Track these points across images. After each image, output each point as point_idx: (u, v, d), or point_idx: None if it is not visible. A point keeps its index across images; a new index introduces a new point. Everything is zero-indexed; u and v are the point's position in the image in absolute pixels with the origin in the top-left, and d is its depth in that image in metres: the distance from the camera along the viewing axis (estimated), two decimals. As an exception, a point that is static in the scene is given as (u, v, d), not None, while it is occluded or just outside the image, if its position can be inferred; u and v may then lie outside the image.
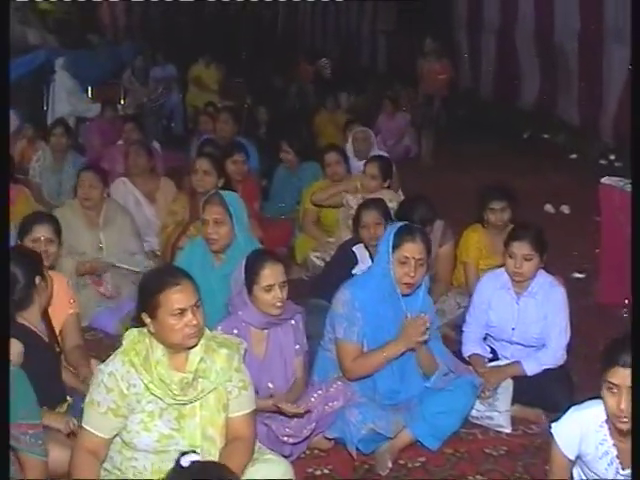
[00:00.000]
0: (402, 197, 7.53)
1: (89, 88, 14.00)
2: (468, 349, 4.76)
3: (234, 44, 22.06)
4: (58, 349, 4.17)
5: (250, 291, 4.02)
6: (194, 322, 3.30)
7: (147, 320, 3.34)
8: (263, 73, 19.00)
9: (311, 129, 12.28)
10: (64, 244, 5.77)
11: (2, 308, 4.05)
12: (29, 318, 3.95)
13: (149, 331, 3.36)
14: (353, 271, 5.34)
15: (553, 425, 3.25)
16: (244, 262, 4.09)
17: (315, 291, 5.48)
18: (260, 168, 8.86)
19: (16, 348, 3.71)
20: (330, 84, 17.50)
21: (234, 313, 4.12)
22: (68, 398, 4.09)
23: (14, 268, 3.86)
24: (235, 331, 4.03)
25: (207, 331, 3.52)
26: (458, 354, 4.71)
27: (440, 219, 5.89)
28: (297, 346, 4.26)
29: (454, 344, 5.16)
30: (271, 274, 4.00)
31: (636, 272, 4.39)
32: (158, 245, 6.81)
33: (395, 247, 4.08)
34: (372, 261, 5.26)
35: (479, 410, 4.47)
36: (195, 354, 3.37)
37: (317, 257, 6.57)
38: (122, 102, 13.88)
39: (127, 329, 5.18)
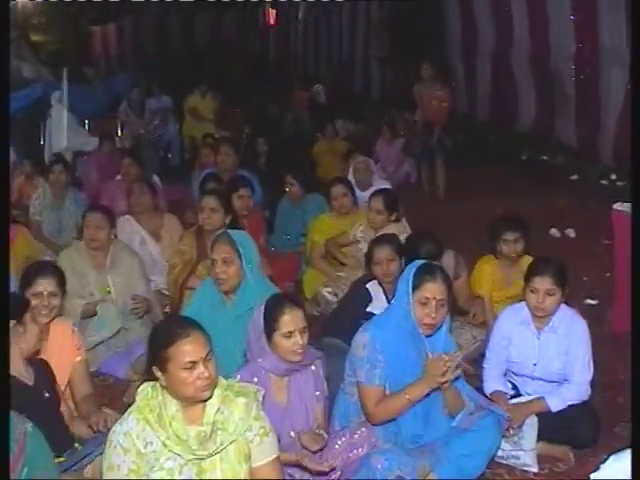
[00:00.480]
0: (407, 227, 7.50)
1: (86, 122, 13.94)
2: (490, 386, 4.67)
3: (228, 73, 22.13)
4: (48, 394, 4.02)
5: (269, 338, 3.93)
6: (206, 374, 3.22)
7: (158, 374, 3.26)
8: (258, 101, 19.05)
9: (310, 159, 12.23)
10: (70, 286, 5.73)
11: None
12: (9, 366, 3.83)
13: (161, 385, 3.27)
14: (367, 309, 5.29)
15: (592, 475, 3.15)
16: (263, 308, 3.99)
17: (329, 330, 5.39)
18: (263, 200, 8.77)
19: None
20: (325, 110, 17.53)
21: (253, 360, 4.02)
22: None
23: None
24: (255, 379, 3.93)
25: (222, 380, 3.43)
26: (479, 391, 4.61)
27: (450, 250, 5.86)
28: (318, 392, 4.15)
29: (472, 378, 5.09)
30: (291, 320, 3.90)
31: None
32: (164, 284, 6.71)
33: (415, 287, 4.00)
34: (386, 298, 5.23)
35: (504, 449, 4.38)
36: (211, 406, 3.28)
37: (329, 292, 6.49)
38: (119, 135, 13.79)
39: (137, 373, 5.18)
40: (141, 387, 3.38)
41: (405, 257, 5.36)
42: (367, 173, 8.21)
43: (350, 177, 8.25)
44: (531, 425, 4.43)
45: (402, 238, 6.29)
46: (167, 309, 6.46)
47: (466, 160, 12.42)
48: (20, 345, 3.92)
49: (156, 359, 3.27)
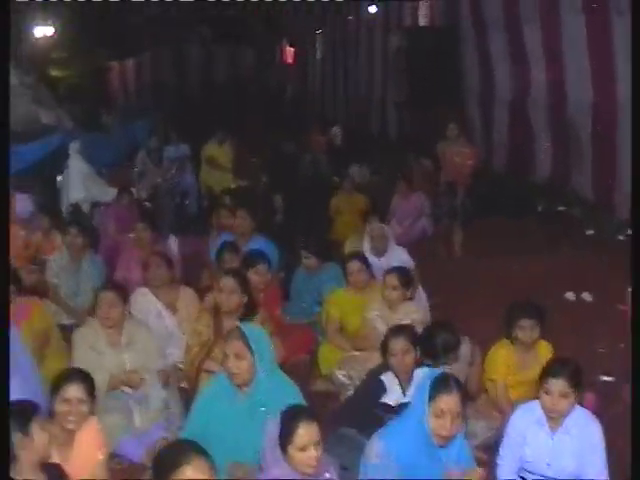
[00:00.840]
0: (424, 300, 7.59)
1: (103, 171, 14.08)
2: (504, 484, 4.70)
3: (244, 112, 22.27)
4: None
5: (284, 450, 3.99)
6: None
7: None
8: (275, 139, 19.18)
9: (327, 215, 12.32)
10: (88, 364, 5.84)
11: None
12: (19, 472, 3.89)
13: None
14: (382, 400, 5.36)
15: None
16: (278, 419, 4.06)
17: (344, 420, 5.46)
18: (279, 263, 8.86)
19: None
20: (342, 154, 17.68)
21: (267, 470, 4.10)
22: None
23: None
24: None
25: None
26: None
27: (465, 338, 5.90)
28: None
29: (486, 466, 5.12)
30: (306, 433, 3.97)
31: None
32: (180, 357, 6.75)
33: (431, 398, 4.07)
34: (401, 389, 5.29)
35: None
36: None
37: (343, 375, 6.53)
38: (136, 185, 13.91)
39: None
40: None
41: (421, 348, 5.43)
42: (383, 240, 8.30)
43: (365, 243, 8.37)
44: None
45: (418, 316, 6.41)
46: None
47: (482, 211, 12.48)
48: (29, 456, 3.95)
49: None
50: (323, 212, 12.56)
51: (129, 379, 5.93)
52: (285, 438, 3.99)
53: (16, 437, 3.84)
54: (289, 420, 4.03)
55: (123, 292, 6.22)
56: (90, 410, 4.58)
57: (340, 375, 6.55)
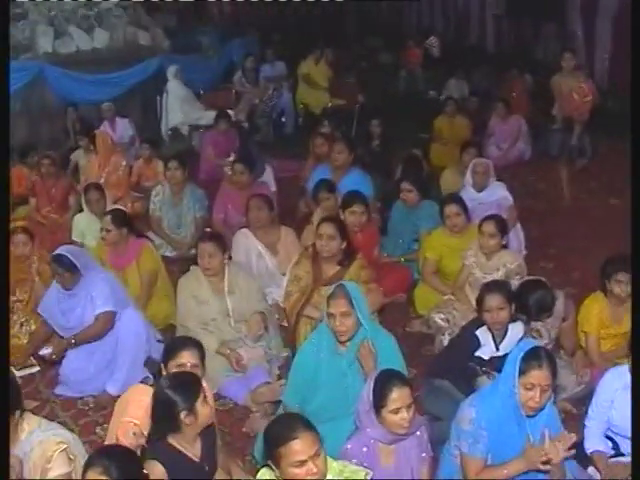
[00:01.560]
0: (522, 239, 7.67)
1: (201, 94, 14.30)
2: (591, 445, 4.91)
3: (340, 32, 22.04)
4: (208, 467, 4.41)
5: (378, 412, 4.26)
6: (314, 470, 3.65)
7: (273, 467, 3.71)
8: (372, 55, 19.06)
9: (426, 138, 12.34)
10: (192, 312, 6.16)
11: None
12: (180, 440, 4.27)
13: (276, 476, 3.75)
14: (476, 353, 5.55)
15: None
16: (372, 384, 4.31)
17: (439, 371, 5.68)
18: (376, 193, 9.02)
19: (158, 470, 4.04)
20: (440, 67, 17.51)
21: (362, 429, 4.37)
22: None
23: (173, 394, 4.17)
24: (365, 449, 4.32)
25: (334, 464, 3.89)
26: (580, 447, 4.81)
27: (559, 293, 6.03)
28: (423, 454, 4.51)
29: (574, 419, 5.37)
30: (399, 397, 4.22)
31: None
32: (279, 296, 7.09)
33: (522, 372, 4.24)
34: (495, 344, 5.48)
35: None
36: None
37: (441, 319, 6.68)
38: (235, 107, 14.11)
39: (256, 403, 5.58)
40: (261, 472, 3.91)
41: (516, 304, 5.57)
42: (485, 176, 8.37)
43: (467, 177, 8.50)
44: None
45: (514, 266, 6.53)
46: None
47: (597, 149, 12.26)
48: (192, 430, 4.30)
49: (270, 455, 3.74)
50: (422, 136, 12.64)
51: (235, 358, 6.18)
52: (379, 401, 4.25)
53: (183, 414, 4.17)
54: (382, 385, 4.27)
55: (222, 241, 6.48)
56: (202, 374, 4.79)
57: (438, 318, 6.70)
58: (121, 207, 7.65)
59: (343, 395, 5.01)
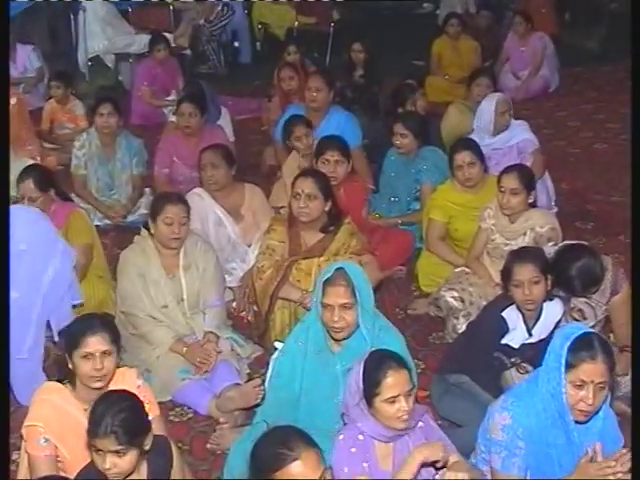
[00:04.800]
0: (555, 208, 7.70)
1: (129, 12, 14.17)
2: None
3: None
4: None
5: (370, 403, 4.25)
6: None
7: None
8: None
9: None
10: (139, 296, 6.16)
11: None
12: None
13: None
14: (504, 340, 5.56)
15: None
16: (361, 369, 4.30)
17: (456, 365, 5.69)
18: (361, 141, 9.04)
19: None
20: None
21: (350, 424, 4.38)
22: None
23: None
24: (353, 449, 4.28)
25: None
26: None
27: (607, 260, 6.00)
28: None
29: (629, 422, 5.39)
30: (395, 383, 4.19)
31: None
32: (242, 272, 7.17)
33: (569, 366, 4.22)
34: (527, 328, 5.52)
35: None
36: None
37: (454, 297, 6.69)
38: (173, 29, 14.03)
39: (222, 412, 5.61)
40: None
41: (554, 277, 5.60)
42: (504, 117, 8.37)
43: (483, 115, 8.45)
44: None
45: (546, 229, 6.54)
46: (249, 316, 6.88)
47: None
48: None
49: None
50: (417, 64, 12.62)
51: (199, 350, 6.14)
52: (371, 390, 4.22)
53: None
54: (375, 368, 4.25)
55: (187, 204, 6.41)
56: (116, 363, 4.70)
57: (449, 297, 6.71)
58: (38, 162, 7.58)
59: (333, 411, 4.95)
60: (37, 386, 4.87)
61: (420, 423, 4.42)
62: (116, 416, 3.94)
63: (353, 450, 4.28)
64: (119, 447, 3.91)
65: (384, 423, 4.25)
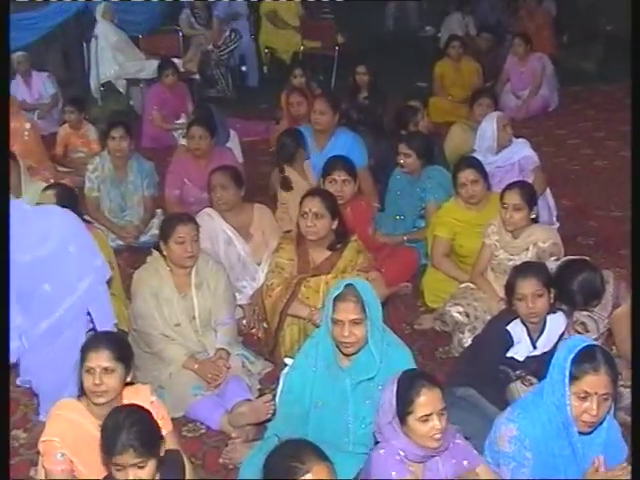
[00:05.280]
0: (556, 224, 7.70)
1: (140, 39, 14.21)
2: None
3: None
4: None
5: (403, 421, 4.23)
6: None
7: None
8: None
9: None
10: (152, 315, 6.15)
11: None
12: None
13: None
14: (509, 354, 5.57)
15: None
16: (395, 387, 4.28)
17: (462, 378, 5.69)
18: (367, 161, 9.02)
19: None
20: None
21: (384, 443, 4.33)
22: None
23: None
24: (401, 453, 4.27)
25: None
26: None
27: (609, 273, 6.00)
28: (465, 462, 4.45)
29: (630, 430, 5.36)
30: (429, 402, 4.18)
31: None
32: (252, 290, 7.20)
33: (573, 378, 4.22)
34: (531, 340, 5.51)
35: None
36: None
37: (459, 312, 6.70)
38: (183, 55, 14.06)
39: (235, 427, 5.59)
40: None
41: (557, 291, 5.61)
42: (507, 130, 8.40)
43: (485, 134, 8.44)
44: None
45: (548, 244, 6.55)
46: (259, 333, 6.87)
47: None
48: None
49: None
50: (420, 85, 12.65)
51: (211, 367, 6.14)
52: (404, 408, 4.21)
53: None
54: (408, 387, 4.23)
55: (197, 224, 6.40)
56: (121, 380, 4.69)
57: (455, 312, 6.72)
58: (65, 183, 7.60)
59: (343, 426, 5.00)
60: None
61: (451, 444, 4.40)
62: (130, 430, 3.93)
63: (397, 458, 4.27)
64: (138, 460, 3.91)
65: (417, 442, 4.23)
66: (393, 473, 4.19)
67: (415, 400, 4.17)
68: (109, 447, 3.96)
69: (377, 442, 4.47)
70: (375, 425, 4.45)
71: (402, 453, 4.25)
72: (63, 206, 6.53)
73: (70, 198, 6.98)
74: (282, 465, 3.65)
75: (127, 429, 3.93)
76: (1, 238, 5.01)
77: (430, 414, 4.17)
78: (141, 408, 4.22)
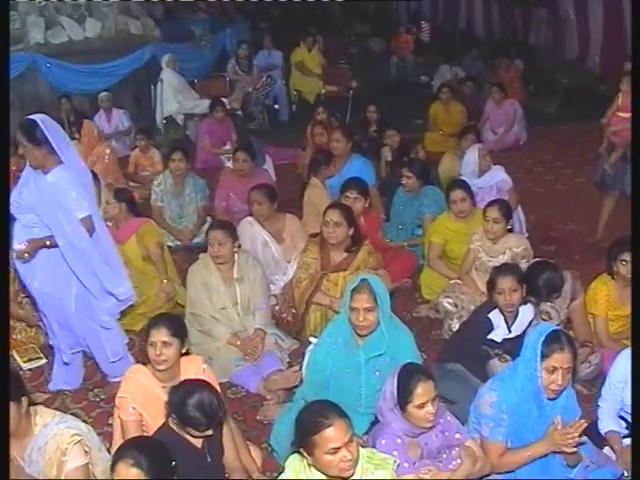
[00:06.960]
0: (523, 222, 7.70)
1: (195, 83, 14.24)
2: (605, 425, 4.90)
3: (327, 18, 21.98)
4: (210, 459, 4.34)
5: (402, 407, 4.22)
6: (348, 457, 3.63)
7: (305, 454, 3.70)
8: (363, 42, 19.00)
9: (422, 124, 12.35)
10: (202, 301, 6.14)
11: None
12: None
13: (308, 463, 3.73)
14: (489, 336, 5.56)
15: None
16: (395, 380, 4.27)
17: (451, 355, 5.70)
18: (376, 182, 9.00)
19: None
20: (431, 52, 17.54)
21: (388, 425, 4.31)
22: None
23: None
24: (398, 440, 4.25)
25: (363, 452, 3.86)
26: (594, 426, 4.86)
27: (567, 273, 6.02)
28: (457, 435, 4.44)
29: (587, 400, 5.38)
30: (424, 392, 4.17)
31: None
32: (283, 283, 7.17)
33: (544, 356, 4.24)
34: (507, 326, 5.49)
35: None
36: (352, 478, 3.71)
37: (449, 303, 6.71)
38: (229, 95, 14.07)
39: (269, 391, 5.57)
40: (290, 460, 3.86)
41: (527, 286, 5.60)
42: (487, 158, 8.47)
43: (469, 161, 8.51)
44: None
45: (520, 249, 6.55)
46: (289, 317, 6.82)
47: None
48: None
49: (302, 443, 3.71)
50: (417, 122, 12.67)
51: (250, 343, 6.16)
52: (404, 397, 4.20)
53: None
54: (407, 380, 4.22)
55: (232, 229, 6.42)
56: (178, 352, 4.71)
57: (446, 303, 6.74)
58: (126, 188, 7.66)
59: (356, 392, 5.01)
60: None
61: (441, 419, 4.40)
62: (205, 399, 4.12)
63: (399, 442, 4.25)
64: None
65: (414, 424, 4.24)
66: (395, 452, 4.18)
67: (413, 391, 4.17)
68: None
69: (376, 421, 4.51)
70: (377, 410, 4.44)
71: (401, 433, 4.25)
72: (118, 199, 7.00)
73: (123, 194, 7.34)
74: (310, 420, 3.69)
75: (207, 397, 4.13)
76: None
77: (425, 402, 4.17)
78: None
